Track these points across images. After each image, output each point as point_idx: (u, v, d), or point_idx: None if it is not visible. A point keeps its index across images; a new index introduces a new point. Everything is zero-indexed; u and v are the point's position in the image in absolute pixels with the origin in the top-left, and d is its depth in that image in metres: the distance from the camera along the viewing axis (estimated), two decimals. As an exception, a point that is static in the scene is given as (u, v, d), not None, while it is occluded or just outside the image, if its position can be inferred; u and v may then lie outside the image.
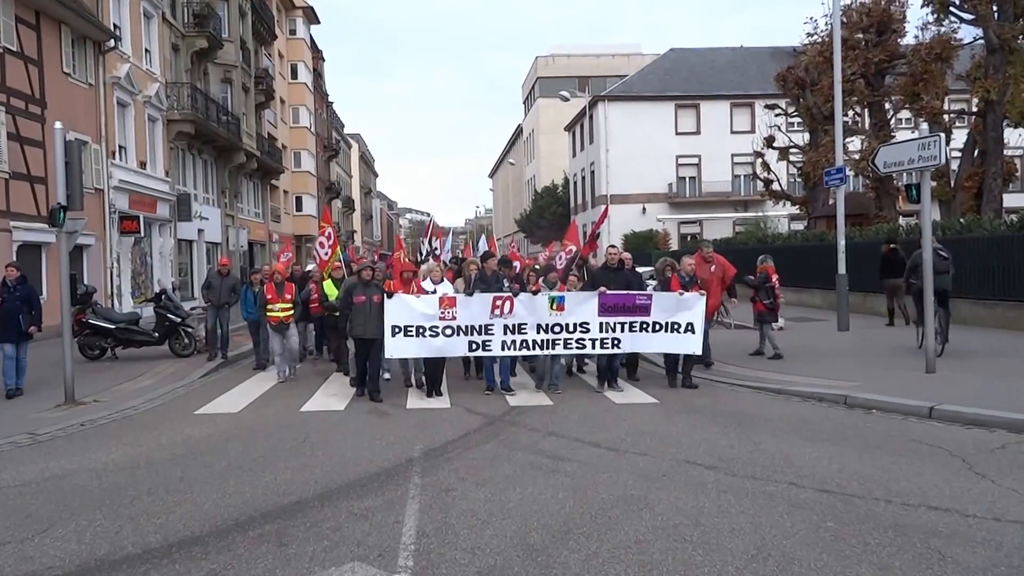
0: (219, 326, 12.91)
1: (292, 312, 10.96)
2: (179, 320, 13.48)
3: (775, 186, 27.07)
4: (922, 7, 19.38)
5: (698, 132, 40.89)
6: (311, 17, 47.83)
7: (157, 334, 13.45)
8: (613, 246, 10.82)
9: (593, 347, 9.53)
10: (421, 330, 9.28)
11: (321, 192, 51.94)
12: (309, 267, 14.70)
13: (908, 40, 21.42)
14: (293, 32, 45.62)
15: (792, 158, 25.79)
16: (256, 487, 5.78)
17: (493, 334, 9.39)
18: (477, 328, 9.36)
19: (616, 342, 9.49)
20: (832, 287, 15.80)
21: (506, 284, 9.95)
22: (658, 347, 9.76)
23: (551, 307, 9.43)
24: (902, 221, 20.50)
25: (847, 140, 20.45)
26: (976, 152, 19.51)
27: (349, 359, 10.23)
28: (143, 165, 22.97)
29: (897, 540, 4.48)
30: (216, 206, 30.20)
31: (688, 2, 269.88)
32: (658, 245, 36.06)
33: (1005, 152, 19.54)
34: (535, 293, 9.53)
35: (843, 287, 14.84)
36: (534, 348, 9.51)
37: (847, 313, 14.76)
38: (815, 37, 22.99)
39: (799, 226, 31.28)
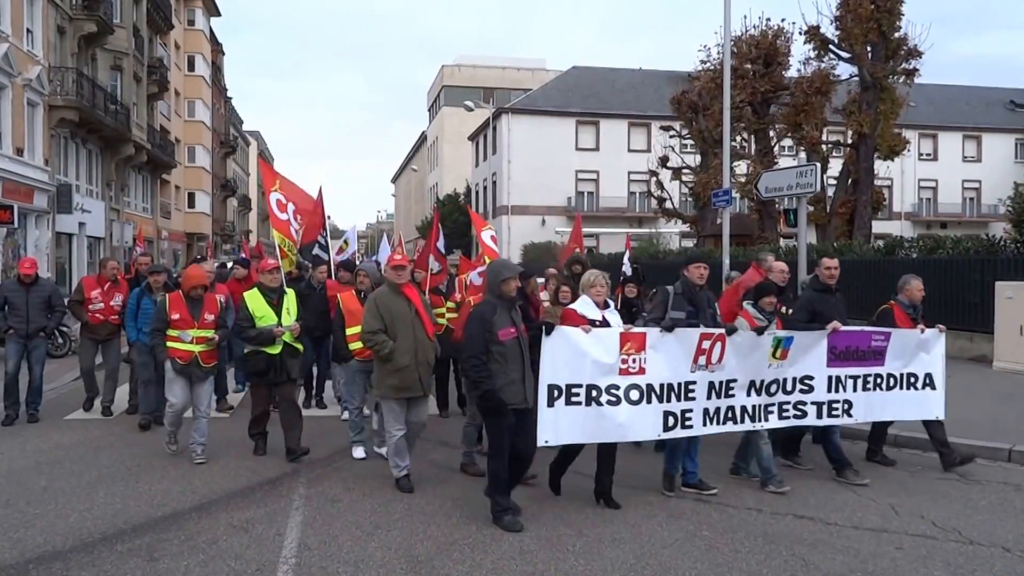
0: (29, 370, 8.21)
1: (215, 346, 6.81)
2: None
3: (668, 204, 28.17)
4: (805, 43, 20.80)
5: (597, 149, 42.06)
6: (211, 9, 45.92)
7: (24, 335, 12.41)
8: (833, 256, 7.32)
9: (819, 415, 6.28)
10: (594, 393, 5.38)
11: (216, 189, 49.85)
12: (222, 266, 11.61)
13: (792, 73, 22.81)
14: (192, 23, 43.71)
15: (684, 178, 26.89)
16: (128, 498, 5.51)
17: (695, 398, 5.76)
18: (676, 389, 5.67)
19: (847, 406, 6.35)
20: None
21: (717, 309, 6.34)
22: (892, 412, 6.68)
23: (774, 354, 6.07)
24: (782, 243, 21.84)
25: (735, 164, 21.48)
26: (850, 181, 21.03)
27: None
28: (20, 152, 21.36)
29: (766, 548, 4.76)
30: (101, 199, 28.51)
31: (591, 23, 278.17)
32: (556, 257, 36.64)
33: (875, 182, 21.23)
34: (760, 332, 5.96)
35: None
36: (743, 419, 6.01)
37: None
38: (708, 64, 24.11)
39: (689, 243, 32.70)
